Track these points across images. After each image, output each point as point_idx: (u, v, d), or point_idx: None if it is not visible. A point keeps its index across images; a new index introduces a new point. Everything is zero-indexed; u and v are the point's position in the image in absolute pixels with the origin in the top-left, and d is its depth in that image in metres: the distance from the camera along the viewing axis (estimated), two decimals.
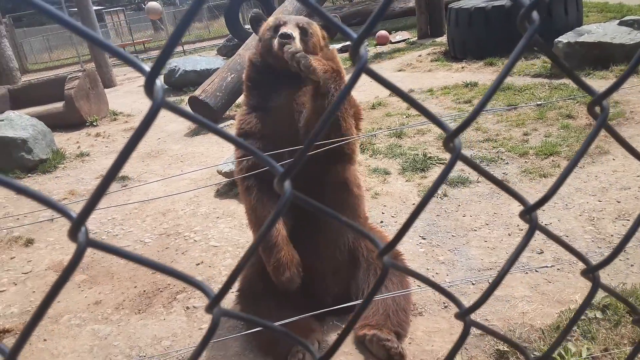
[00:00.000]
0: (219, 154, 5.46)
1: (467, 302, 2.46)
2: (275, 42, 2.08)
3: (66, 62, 20.99)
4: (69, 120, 7.51)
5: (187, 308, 2.84)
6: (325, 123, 0.50)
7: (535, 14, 0.55)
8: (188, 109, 6.89)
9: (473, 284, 2.69)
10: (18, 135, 5.59)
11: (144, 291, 3.06)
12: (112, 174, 0.44)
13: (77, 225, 0.42)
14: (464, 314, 0.69)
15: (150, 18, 19.52)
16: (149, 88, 0.42)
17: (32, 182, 5.38)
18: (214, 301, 0.51)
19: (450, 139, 0.58)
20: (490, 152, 4.37)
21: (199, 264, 3.29)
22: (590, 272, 0.75)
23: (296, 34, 2.09)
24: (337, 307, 2.10)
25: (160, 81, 0.42)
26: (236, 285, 2.59)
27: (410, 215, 0.59)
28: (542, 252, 2.88)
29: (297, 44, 2.06)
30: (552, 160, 4.02)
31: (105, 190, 0.44)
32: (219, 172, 4.38)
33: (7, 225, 4.31)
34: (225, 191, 4.33)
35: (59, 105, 7.56)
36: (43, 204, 0.44)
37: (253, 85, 2.33)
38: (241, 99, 7.81)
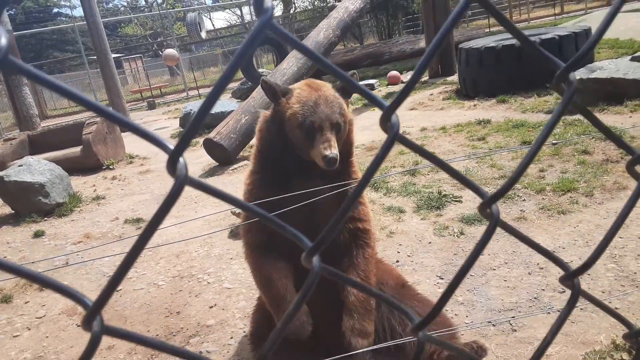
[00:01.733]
0: (233, 194, 5.47)
1: (487, 344, 2.37)
2: (319, 160, 1.93)
3: (84, 108, 21.56)
4: (86, 164, 7.65)
5: (200, 352, 2.77)
6: (346, 210, 0.49)
7: (572, 76, 0.53)
8: (203, 150, 6.99)
9: (494, 325, 2.60)
10: (36, 180, 5.68)
11: (157, 335, 3.01)
12: (131, 260, 0.42)
13: (93, 314, 0.41)
14: None
15: (167, 64, 20.12)
16: (171, 166, 0.40)
17: (48, 225, 5.43)
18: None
19: (487, 205, 0.55)
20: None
21: (212, 306, 3.24)
22: (634, 336, 0.71)
23: (334, 142, 1.95)
24: (356, 352, 2.02)
25: (183, 159, 0.41)
26: (248, 328, 2.53)
27: (450, 284, 0.55)
28: (564, 292, 2.78)
29: (339, 157, 1.95)
30: (570, 197, 3.95)
31: (121, 278, 0.42)
32: (233, 213, 4.38)
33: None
34: (238, 232, 4.31)
35: (76, 149, 7.72)
36: (59, 292, 0.43)
37: (265, 161, 2.19)
38: (254, 141, 7.91)
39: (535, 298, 2.79)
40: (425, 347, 2.31)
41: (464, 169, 4.91)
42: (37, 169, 5.84)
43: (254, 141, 2.41)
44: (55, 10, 44.94)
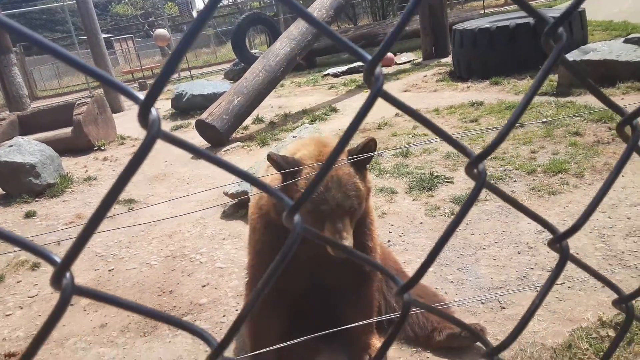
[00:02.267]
0: (225, 176, 5.46)
1: (477, 321, 2.41)
2: (328, 248, 1.76)
3: (75, 89, 21.34)
4: (77, 145, 7.59)
5: None
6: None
7: (561, 31, 0.52)
8: (195, 132, 6.95)
9: (483, 303, 2.64)
10: (26, 161, 5.64)
11: None
12: (101, 213, 0.40)
13: (61, 271, 0.39)
14: (491, 354, 0.64)
15: (158, 44, 19.87)
16: (142, 118, 0.38)
17: (39, 206, 5.40)
18: (217, 350, 0.46)
19: (474, 165, 0.53)
20: (498, 170, 4.34)
21: (204, 285, 3.26)
22: (623, 302, 0.72)
23: (349, 231, 1.82)
24: (350, 326, 2.04)
25: (155, 110, 0.39)
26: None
27: (431, 250, 0.55)
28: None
29: (351, 243, 1.81)
30: (561, 178, 3.98)
31: (91, 233, 0.40)
32: (225, 194, 4.38)
33: (13, 249, 4.31)
34: (232, 212, 4.32)
35: (67, 130, 7.65)
36: (26, 249, 0.40)
37: (268, 249, 2.09)
38: (247, 123, 7.78)
39: (524, 277, 2.83)
40: (427, 325, 2.34)
41: (455, 151, 4.92)
42: (27, 149, 5.79)
43: (252, 201, 2.34)
44: None
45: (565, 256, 0.62)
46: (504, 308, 2.58)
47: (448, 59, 10.17)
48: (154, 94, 0.39)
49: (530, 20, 7.62)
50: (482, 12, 16.83)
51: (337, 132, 6.31)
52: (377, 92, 0.45)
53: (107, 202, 0.40)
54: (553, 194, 3.75)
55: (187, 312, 2.98)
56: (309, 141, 2.08)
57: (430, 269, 3.13)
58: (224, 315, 2.90)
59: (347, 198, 1.82)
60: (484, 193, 3.93)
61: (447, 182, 4.30)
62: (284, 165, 1.87)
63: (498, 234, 3.36)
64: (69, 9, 18.19)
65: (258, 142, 6.65)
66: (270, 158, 1.88)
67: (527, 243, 3.17)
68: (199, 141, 7.04)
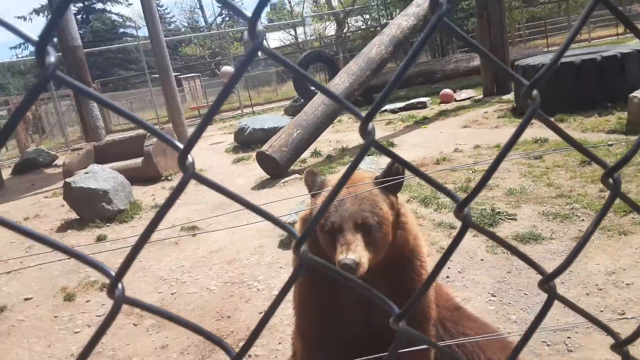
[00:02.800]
0: (283, 206, 5.57)
1: None
2: (337, 264, 1.62)
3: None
4: (147, 175, 8.01)
5: (249, 356, 2.84)
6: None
7: (535, 93, 0.58)
8: (256, 164, 7.17)
9: (548, 345, 2.52)
10: (100, 187, 6.01)
11: None
12: (147, 235, 0.49)
13: (115, 283, 0.47)
14: None
15: (225, 81, 20.81)
16: (181, 162, 0.47)
17: (110, 230, 5.71)
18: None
19: (460, 209, 0.59)
20: (564, 208, 4.18)
21: (261, 312, 3.30)
22: (620, 346, 0.75)
23: (359, 246, 1.65)
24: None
25: (191, 157, 0.48)
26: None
27: (425, 282, 0.60)
28: (624, 313, 2.66)
29: (364, 265, 1.63)
30: (632, 218, 3.78)
31: (138, 252, 0.49)
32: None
33: (85, 270, 4.58)
34: (288, 242, 4.39)
35: (138, 160, 8.11)
36: (87, 264, 0.49)
37: (312, 272, 1.85)
38: (305, 157, 7.92)
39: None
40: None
41: (519, 187, 4.79)
42: (101, 176, 6.18)
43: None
44: (121, 30, 47.62)
45: (552, 296, 0.66)
46: (571, 351, 2.45)
47: (510, 96, 10.01)
48: (191, 143, 0.48)
49: (597, 56, 7.41)
50: (545, 50, 16.52)
51: None
52: (370, 144, 0.54)
53: (150, 227, 0.49)
54: (624, 234, 3.56)
55: (244, 338, 3.02)
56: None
57: (492, 307, 3.04)
58: (279, 343, 2.93)
59: (360, 211, 1.71)
60: (549, 232, 3.79)
61: (510, 218, 4.18)
62: (312, 186, 1.88)
63: (565, 274, 3.21)
64: (144, 48, 19.53)
65: (325, 174, 6.76)
66: (305, 179, 1.90)
67: (597, 284, 3.01)
68: (259, 172, 7.24)
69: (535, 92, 0.58)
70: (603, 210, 0.64)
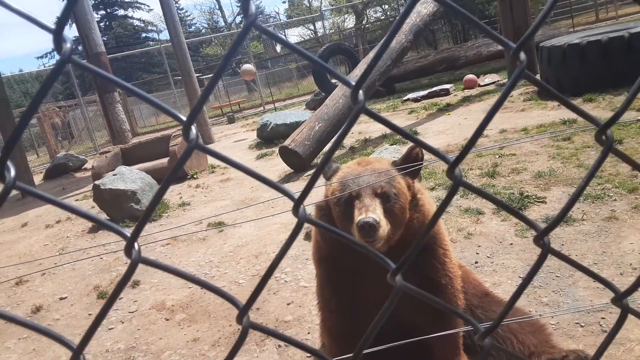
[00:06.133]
0: (308, 199, 5.58)
1: (577, 345, 2.24)
2: (356, 233, 1.57)
3: (171, 125, 22.92)
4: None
5: (279, 346, 2.85)
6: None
7: (522, 55, 0.59)
8: (279, 159, 7.20)
9: (582, 326, 2.45)
10: (128, 188, 6.12)
11: (239, 329, 3.13)
12: (154, 204, 0.52)
13: (131, 243, 0.51)
14: None
15: (245, 79, 20.93)
16: (185, 134, 0.50)
17: None
18: (242, 311, 0.57)
19: (451, 169, 0.60)
20: (595, 189, 4.06)
21: (289, 303, 3.32)
22: (620, 299, 0.74)
23: (378, 210, 1.62)
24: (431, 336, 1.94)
25: (195, 128, 0.51)
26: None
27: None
28: None
29: (383, 227, 1.59)
30: None
31: (149, 216, 0.53)
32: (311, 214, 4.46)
33: (117, 269, 4.67)
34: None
35: (164, 161, 8.24)
36: (99, 224, 0.53)
37: (326, 262, 1.94)
38: (328, 147, 7.90)
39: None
40: (523, 350, 2.16)
41: (547, 169, 4.68)
42: (129, 177, 6.29)
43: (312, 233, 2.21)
44: (143, 35, 48.39)
45: (546, 251, 0.67)
46: (605, 332, 2.38)
47: (536, 78, 9.78)
48: (193, 115, 0.50)
49: (624, 33, 7.16)
50: (571, 30, 16.06)
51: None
52: (360, 110, 0.54)
53: (156, 199, 0.53)
54: None
55: (274, 329, 3.04)
56: (363, 157, 2.05)
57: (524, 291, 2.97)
58: (308, 333, 2.94)
59: (377, 180, 1.69)
60: (580, 213, 3.69)
61: (539, 201, 4.08)
62: (327, 171, 1.88)
63: (597, 255, 3.12)
64: (166, 51, 19.79)
65: (345, 161, 6.74)
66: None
67: (631, 264, 2.91)
68: (282, 167, 7.27)
69: (522, 54, 0.59)
70: (596, 163, 0.65)
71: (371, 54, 8.37)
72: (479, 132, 0.58)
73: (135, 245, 0.50)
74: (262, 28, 0.50)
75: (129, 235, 0.50)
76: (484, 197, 0.67)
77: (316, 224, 0.56)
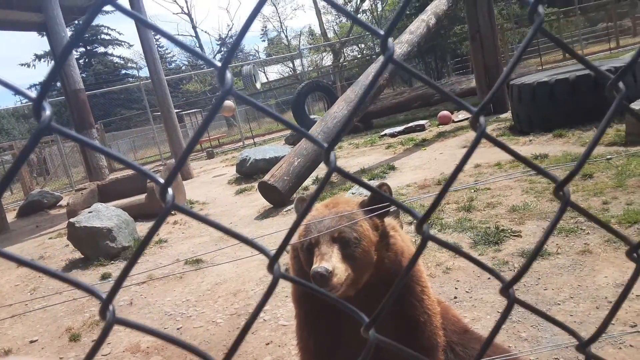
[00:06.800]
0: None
1: None
2: (310, 276, 1.57)
3: (149, 160, 22.79)
4: (151, 211, 8.02)
5: None
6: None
7: (482, 119, 0.62)
8: (258, 194, 7.19)
9: None
10: (104, 225, 6.02)
11: None
12: (132, 262, 0.53)
13: (106, 305, 0.50)
14: None
15: (224, 115, 21.03)
16: (162, 196, 0.52)
17: (114, 268, 5.70)
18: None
19: (420, 225, 0.63)
20: (569, 222, 4.15)
21: (268, 343, 3.26)
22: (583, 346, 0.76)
23: (334, 257, 1.61)
24: None
25: (171, 190, 0.53)
26: None
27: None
28: (636, 325, 2.61)
29: (339, 275, 1.58)
30: (638, 228, 3.75)
31: (126, 275, 0.52)
32: (287, 252, 4.44)
33: (90, 310, 4.54)
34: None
35: (141, 197, 8.14)
36: (77, 287, 0.52)
37: (303, 302, 1.92)
38: (307, 184, 7.90)
39: (604, 333, 2.63)
40: None
41: (522, 204, 4.78)
42: (105, 214, 6.20)
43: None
44: (123, 72, 48.51)
45: (511, 302, 0.69)
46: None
47: (507, 115, 10.07)
48: (171, 178, 0.52)
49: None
50: (539, 68, 16.68)
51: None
52: (332, 170, 0.57)
53: (137, 254, 0.52)
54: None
55: None
56: (333, 198, 2.06)
57: (502, 326, 2.99)
58: None
59: (337, 225, 1.68)
60: (555, 247, 3.76)
61: (515, 235, 4.15)
62: (299, 210, 1.91)
63: (573, 289, 3.17)
64: (145, 87, 19.84)
65: (318, 201, 6.75)
66: (295, 206, 1.95)
67: (606, 297, 2.96)
68: (261, 202, 7.25)
69: (482, 119, 0.63)
70: (554, 220, 0.69)
71: (349, 91, 8.54)
72: (446, 187, 0.64)
73: (110, 307, 0.50)
74: (238, 95, 0.53)
75: (104, 297, 0.50)
76: (453, 251, 0.70)
77: (290, 279, 0.58)
